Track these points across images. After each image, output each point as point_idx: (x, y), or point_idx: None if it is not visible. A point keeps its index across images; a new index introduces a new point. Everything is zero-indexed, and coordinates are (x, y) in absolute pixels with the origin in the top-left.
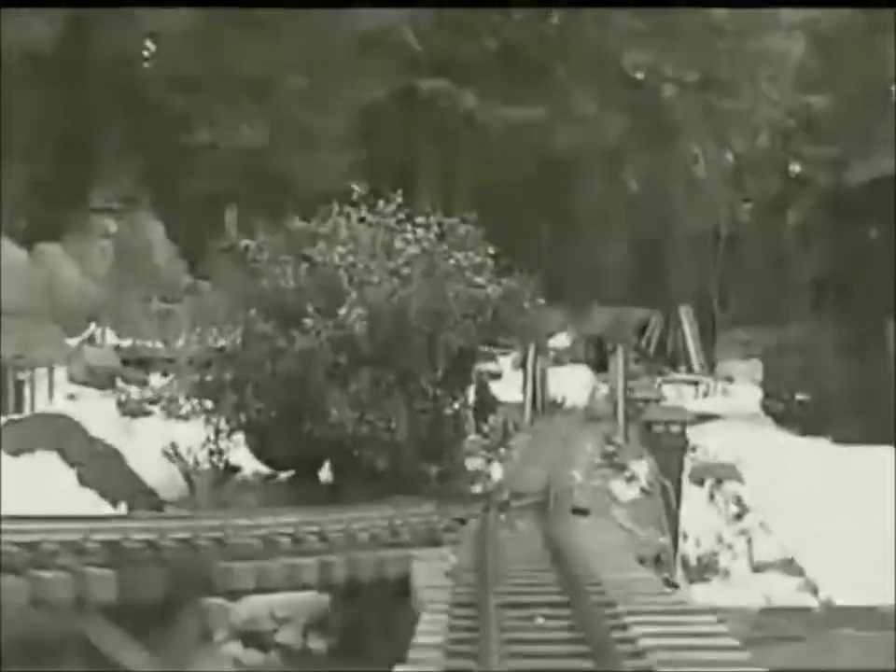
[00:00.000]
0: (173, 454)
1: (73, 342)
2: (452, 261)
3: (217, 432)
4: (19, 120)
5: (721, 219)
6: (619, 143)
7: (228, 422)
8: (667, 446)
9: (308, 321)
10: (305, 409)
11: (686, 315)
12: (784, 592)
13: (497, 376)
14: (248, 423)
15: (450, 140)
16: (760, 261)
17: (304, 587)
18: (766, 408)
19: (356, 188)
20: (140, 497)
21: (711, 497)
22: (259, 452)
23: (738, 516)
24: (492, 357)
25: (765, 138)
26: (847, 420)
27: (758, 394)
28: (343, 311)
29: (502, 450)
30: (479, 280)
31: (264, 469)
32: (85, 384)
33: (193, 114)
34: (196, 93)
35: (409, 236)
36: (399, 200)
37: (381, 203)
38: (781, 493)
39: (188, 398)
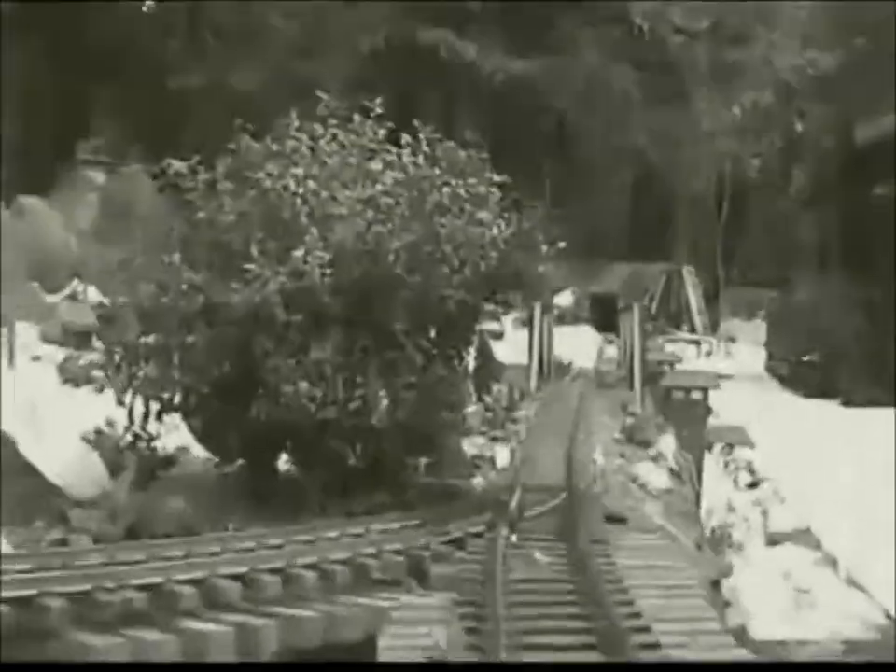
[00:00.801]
0: (94, 438)
1: (53, 299)
2: (447, 190)
3: (146, 413)
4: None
5: (727, 176)
6: (625, 95)
7: (146, 400)
8: (688, 415)
9: (251, 267)
10: (249, 385)
11: (689, 274)
12: (803, 567)
13: (498, 336)
14: (180, 401)
15: (450, 92)
16: (764, 220)
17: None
18: (772, 369)
19: (323, 96)
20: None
21: (726, 465)
22: (200, 437)
23: (752, 485)
24: (496, 316)
25: (771, 94)
26: (855, 382)
27: (762, 355)
28: (298, 253)
29: (507, 424)
30: (482, 215)
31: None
32: (60, 344)
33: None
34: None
35: (391, 157)
36: (379, 110)
37: (356, 117)
38: (793, 458)
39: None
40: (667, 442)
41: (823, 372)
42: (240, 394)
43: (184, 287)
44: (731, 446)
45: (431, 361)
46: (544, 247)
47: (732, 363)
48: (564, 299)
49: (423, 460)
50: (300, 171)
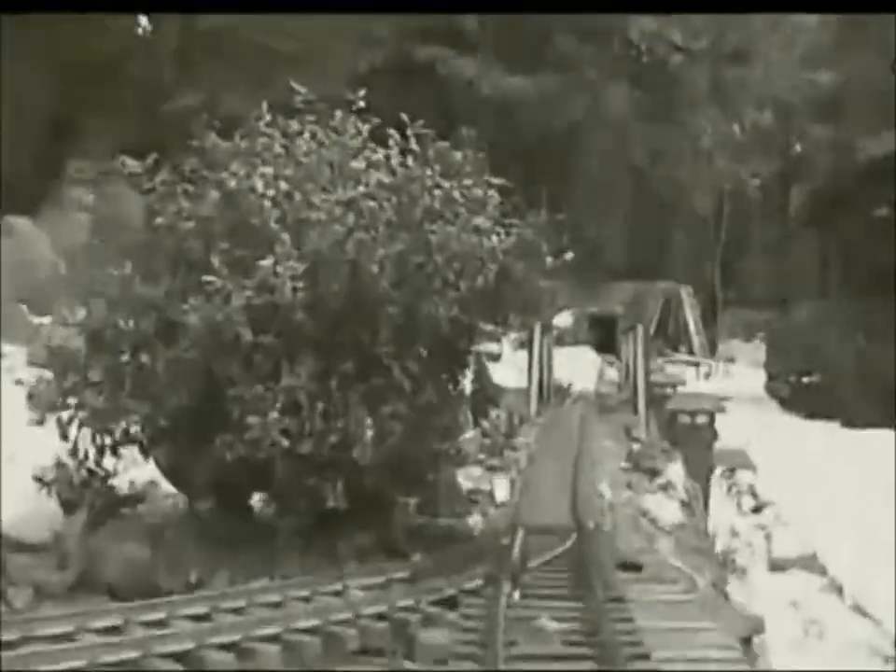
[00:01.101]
0: (50, 473)
1: (41, 320)
2: (439, 193)
3: (100, 447)
4: None
5: (725, 195)
6: (624, 114)
7: (94, 434)
8: (694, 440)
9: (213, 280)
10: (212, 416)
11: (687, 294)
12: (809, 595)
13: (496, 358)
14: (139, 433)
15: (447, 110)
16: (764, 241)
17: None
18: (771, 390)
19: (299, 89)
20: None
21: (729, 489)
22: (166, 472)
23: (756, 510)
24: (494, 337)
25: (770, 113)
26: (856, 404)
27: (761, 376)
28: (267, 263)
29: (506, 452)
30: (479, 222)
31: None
32: (45, 367)
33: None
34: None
35: (376, 157)
36: (362, 104)
37: (337, 113)
38: (795, 482)
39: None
40: (676, 471)
41: (824, 394)
42: (202, 426)
43: (137, 303)
44: (732, 470)
45: (422, 387)
46: (549, 259)
47: (731, 384)
48: (562, 319)
49: (413, 497)
50: (269, 170)
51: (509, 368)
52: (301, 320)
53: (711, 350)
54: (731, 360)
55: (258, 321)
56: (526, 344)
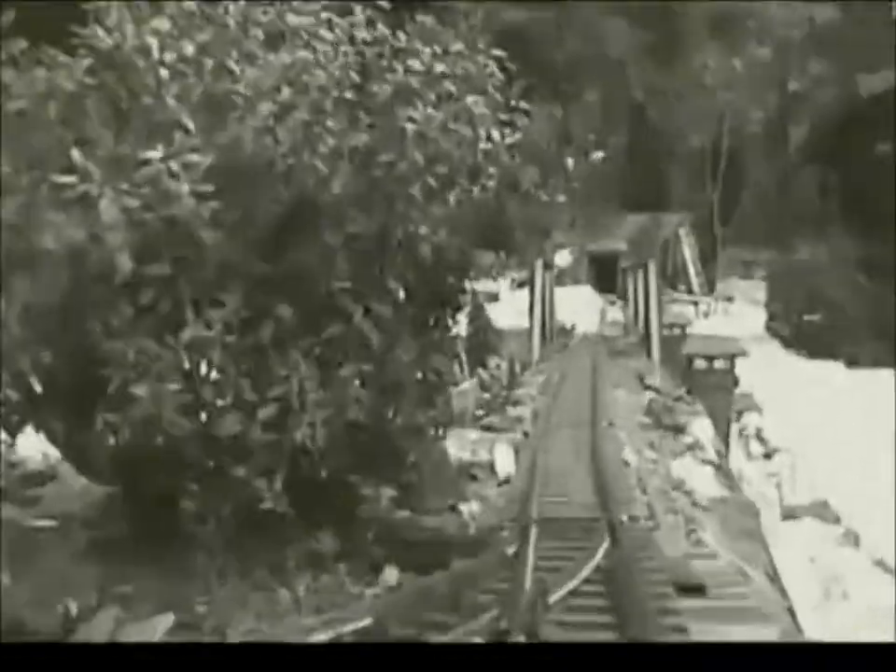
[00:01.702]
0: None
1: None
2: (417, 64)
3: None
4: None
5: (724, 132)
6: (624, 50)
7: None
8: (713, 387)
9: (73, 181)
10: (86, 383)
11: (685, 233)
12: (826, 548)
13: (493, 298)
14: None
15: None
16: (763, 178)
17: None
18: (772, 329)
19: None
20: None
21: (739, 433)
22: (62, 449)
23: (767, 456)
24: (494, 274)
25: (770, 48)
26: (859, 342)
27: (761, 314)
28: (153, 155)
29: (508, 408)
30: (472, 103)
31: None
32: None
33: None
34: None
35: (325, 15)
36: None
37: None
38: (802, 424)
39: None
40: (703, 427)
41: (826, 333)
42: (77, 396)
43: None
44: (739, 413)
45: (396, 339)
46: (570, 160)
47: (730, 323)
48: (561, 258)
49: (388, 490)
50: (165, 25)
51: (507, 309)
52: (211, 242)
53: (709, 289)
54: (729, 299)
55: (146, 244)
56: (528, 282)
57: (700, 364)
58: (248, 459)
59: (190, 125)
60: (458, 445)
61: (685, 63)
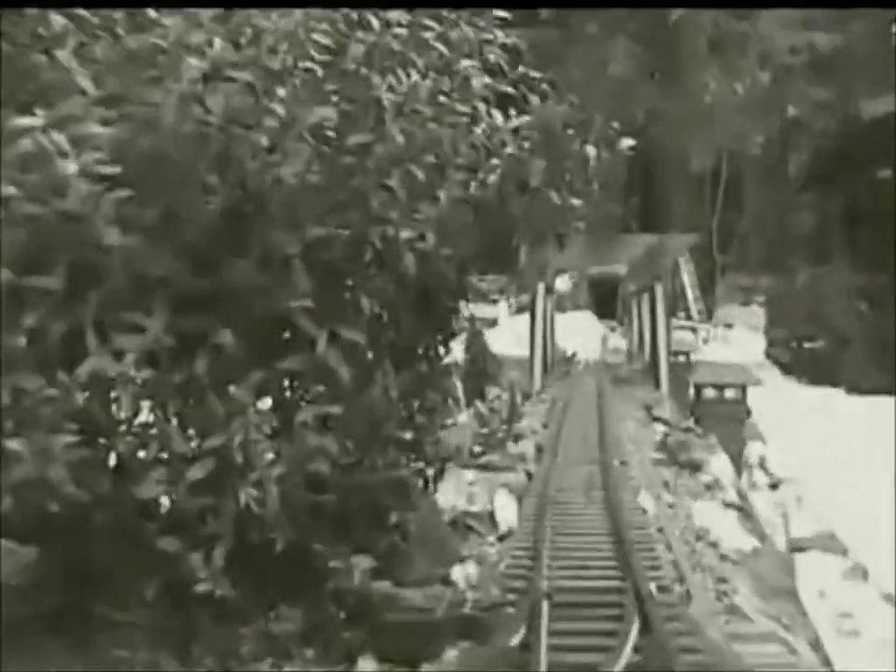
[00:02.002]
0: None
1: None
2: (394, 42)
3: None
4: None
5: (724, 156)
6: (625, 70)
7: None
8: (724, 418)
9: None
10: None
11: (684, 259)
12: (833, 582)
13: (491, 324)
14: None
15: None
16: (762, 204)
17: None
18: (772, 356)
19: None
20: None
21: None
22: None
23: (773, 486)
24: (492, 296)
25: (769, 74)
26: (859, 369)
27: (760, 341)
28: (32, 121)
29: (509, 444)
30: (469, 71)
31: None
32: None
33: None
34: None
35: None
36: None
37: None
38: (805, 453)
39: None
40: (721, 464)
41: (827, 360)
42: None
43: None
44: (743, 442)
45: (374, 371)
46: (591, 149)
47: (729, 350)
48: (561, 283)
49: (364, 559)
50: None
51: (504, 334)
52: (119, 245)
53: (708, 315)
54: (728, 325)
55: (31, 247)
56: (527, 307)
57: (709, 393)
58: (178, 529)
59: (90, 87)
60: (453, 490)
61: (686, 85)
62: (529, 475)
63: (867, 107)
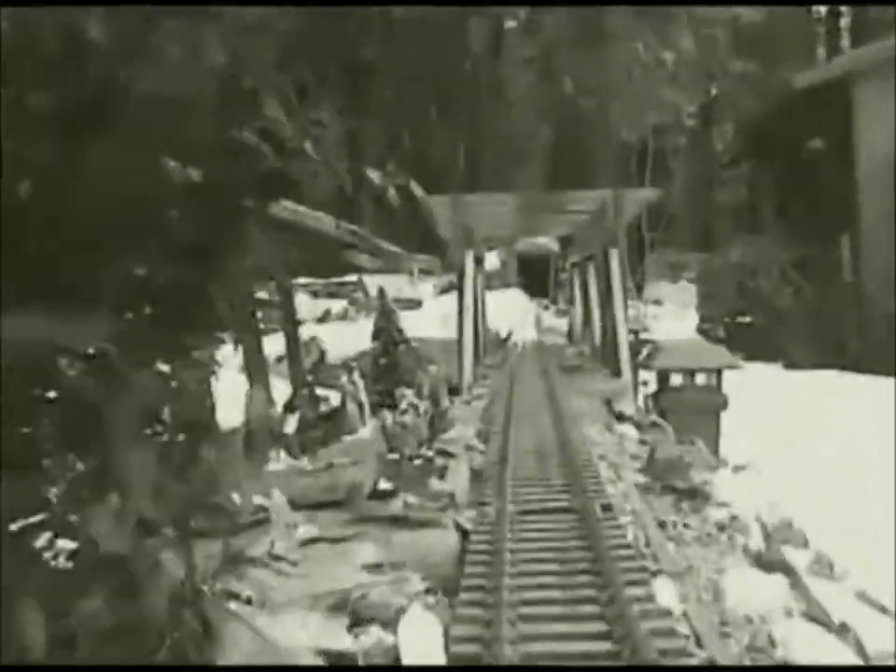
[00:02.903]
0: None
1: None
2: None
3: None
4: None
5: (650, 131)
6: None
7: None
8: (695, 409)
9: None
10: None
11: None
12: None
13: (415, 306)
14: None
15: (357, 33)
16: (691, 178)
17: None
18: (704, 332)
19: None
20: None
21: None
22: None
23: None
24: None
25: (696, 45)
26: (797, 344)
27: (692, 318)
28: None
29: (432, 479)
30: None
31: None
32: None
33: None
34: None
35: None
36: None
37: None
38: (754, 434)
39: None
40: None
41: (763, 334)
42: None
43: None
44: (717, 438)
45: None
46: None
47: (660, 327)
48: (488, 261)
49: None
50: None
51: (427, 318)
52: None
53: (637, 292)
54: (658, 302)
55: None
56: (455, 283)
57: (676, 380)
58: None
59: None
60: (333, 576)
61: (614, 54)
62: (465, 534)
63: (800, 79)
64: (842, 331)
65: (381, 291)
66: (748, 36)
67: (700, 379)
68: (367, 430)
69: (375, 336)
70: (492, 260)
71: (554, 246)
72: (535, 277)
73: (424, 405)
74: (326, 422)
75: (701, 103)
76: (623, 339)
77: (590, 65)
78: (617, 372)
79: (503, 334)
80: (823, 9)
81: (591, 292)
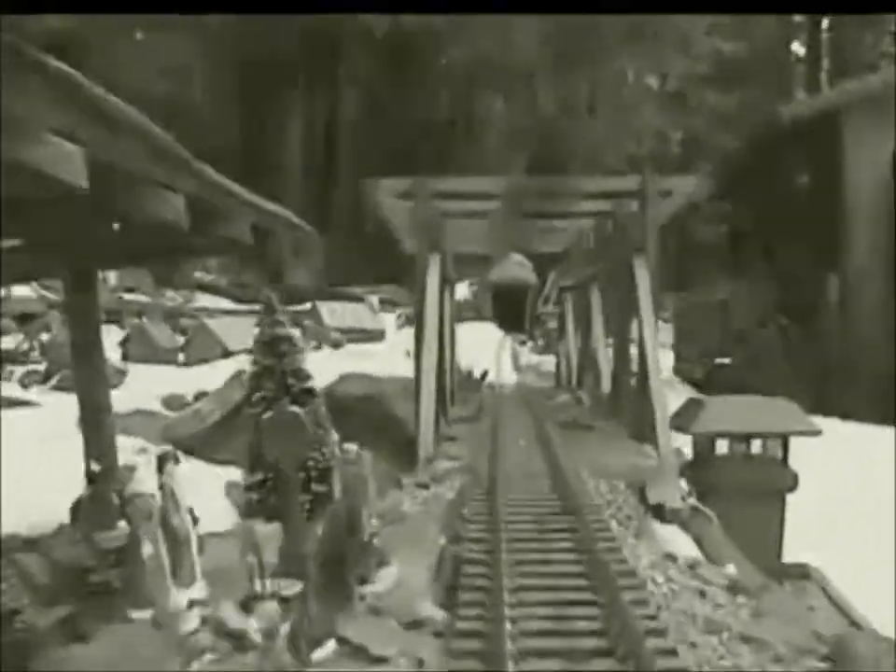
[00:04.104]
0: None
1: None
2: None
3: None
4: None
5: (627, 160)
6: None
7: None
8: (754, 490)
9: None
10: None
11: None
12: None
13: (377, 337)
14: None
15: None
16: (670, 216)
17: None
18: (681, 373)
19: None
20: None
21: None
22: None
23: None
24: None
25: (678, 76)
26: (778, 386)
27: (668, 358)
28: None
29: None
30: None
31: None
32: None
33: None
34: None
35: None
36: None
37: None
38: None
39: None
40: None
41: (746, 375)
42: None
43: None
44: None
45: None
46: None
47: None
48: (459, 291)
49: None
50: None
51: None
52: None
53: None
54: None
55: None
56: (415, 306)
57: (722, 448)
58: None
59: None
60: None
61: (599, 76)
62: None
63: (786, 112)
64: (829, 375)
65: (268, 298)
66: (728, 70)
67: (755, 447)
68: (184, 602)
69: (253, 385)
70: (462, 290)
71: (532, 277)
72: (510, 309)
73: (328, 540)
74: (101, 576)
75: (683, 135)
76: (658, 388)
77: (573, 85)
78: (641, 436)
79: (477, 373)
80: (802, 50)
81: (594, 323)
